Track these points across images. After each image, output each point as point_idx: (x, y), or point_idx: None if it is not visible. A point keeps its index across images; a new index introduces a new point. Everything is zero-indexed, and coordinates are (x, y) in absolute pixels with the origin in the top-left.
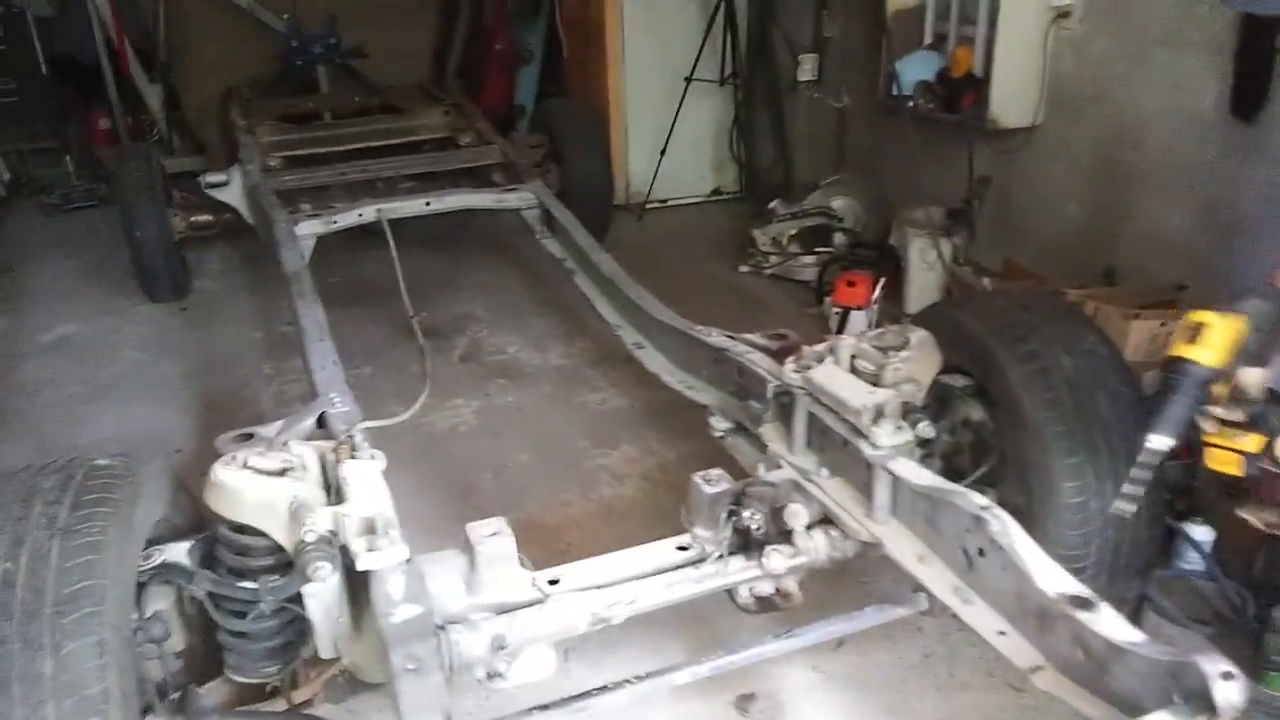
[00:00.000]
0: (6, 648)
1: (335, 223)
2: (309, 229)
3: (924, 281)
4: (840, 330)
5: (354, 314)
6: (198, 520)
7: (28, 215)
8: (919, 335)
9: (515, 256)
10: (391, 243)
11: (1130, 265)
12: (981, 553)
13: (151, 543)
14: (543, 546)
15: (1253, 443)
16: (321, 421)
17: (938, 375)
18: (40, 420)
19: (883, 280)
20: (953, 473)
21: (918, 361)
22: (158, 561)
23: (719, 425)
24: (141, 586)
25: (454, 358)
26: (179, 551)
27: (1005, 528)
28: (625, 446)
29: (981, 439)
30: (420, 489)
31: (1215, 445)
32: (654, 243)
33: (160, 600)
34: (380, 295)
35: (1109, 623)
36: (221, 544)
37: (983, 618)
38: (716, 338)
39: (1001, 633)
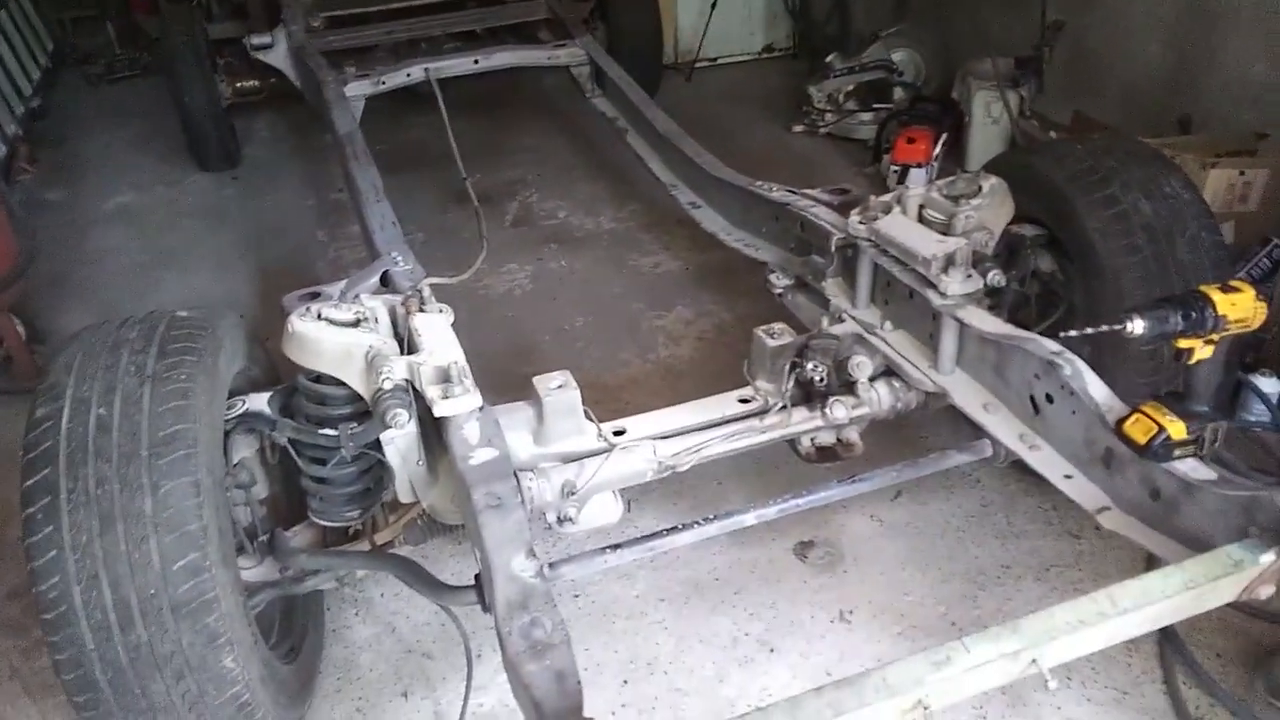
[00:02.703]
0: (107, 488)
1: (383, 83)
2: (358, 90)
3: (987, 136)
4: (901, 182)
5: (403, 181)
6: (272, 375)
7: (74, 86)
8: (992, 182)
9: (562, 119)
10: (441, 103)
11: (1207, 114)
12: (1050, 399)
13: (232, 394)
14: (602, 406)
15: None
16: (384, 280)
17: (1008, 225)
18: (106, 288)
19: (944, 136)
20: (1017, 325)
21: (990, 209)
22: (241, 411)
23: (779, 282)
24: (226, 435)
25: (505, 222)
26: (260, 401)
27: (1078, 371)
28: (680, 308)
29: (1050, 290)
30: (479, 351)
31: None
32: (704, 103)
33: (244, 449)
34: (428, 162)
35: (1181, 462)
36: (301, 394)
37: (1049, 463)
38: (778, 193)
39: (1068, 476)
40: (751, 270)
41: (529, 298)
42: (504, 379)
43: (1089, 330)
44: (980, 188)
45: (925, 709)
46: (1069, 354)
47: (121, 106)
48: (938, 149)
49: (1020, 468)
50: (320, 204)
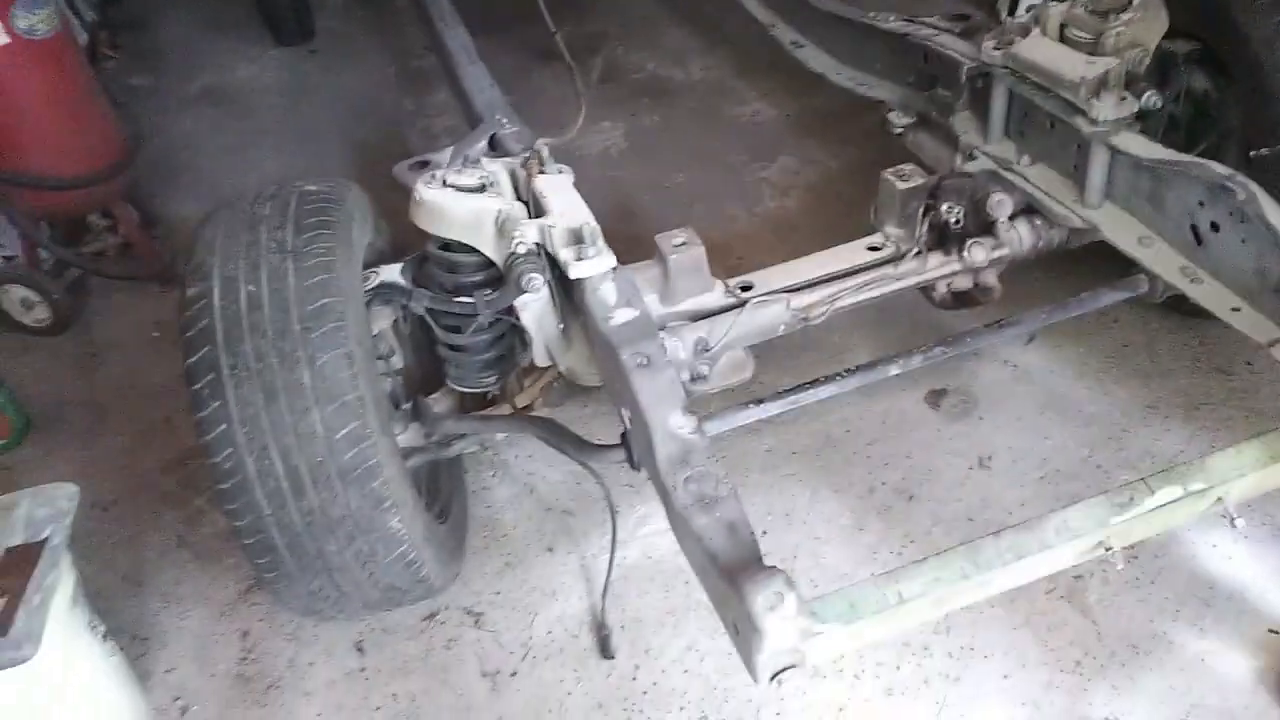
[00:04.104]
0: (266, 363)
1: None
2: None
3: None
4: (1013, 11)
5: (481, 43)
6: (396, 246)
7: None
8: None
9: None
10: None
11: None
12: (1215, 227)
13: (365, 266)
14: (713, 263)
15: None
16: (493, 144)
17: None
18: (207, 170)
19: None
20: None
21: (1143, 23)
22: (376, 282)
23: (899, 121)
24: (365, 308)
25: (592, 79)
26: (393, 272)
27: (1253, 195)
28: (784, 158)
29: (1203, 112)
30: None
31: None
32: None
33: (382, 320)
34: (504, 21)
35: None
36: (432, 262)
37: (1214, 295)
38: (894, 22)
39: (1235, 309)
40: (856, 114)
41: (625, 155)
42: (612, 242)
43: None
44: (1130, 0)
45: (1107, 549)
46: (1241, 177)
47: None
48: None
49: (1167, 305)
50: (402, 72)
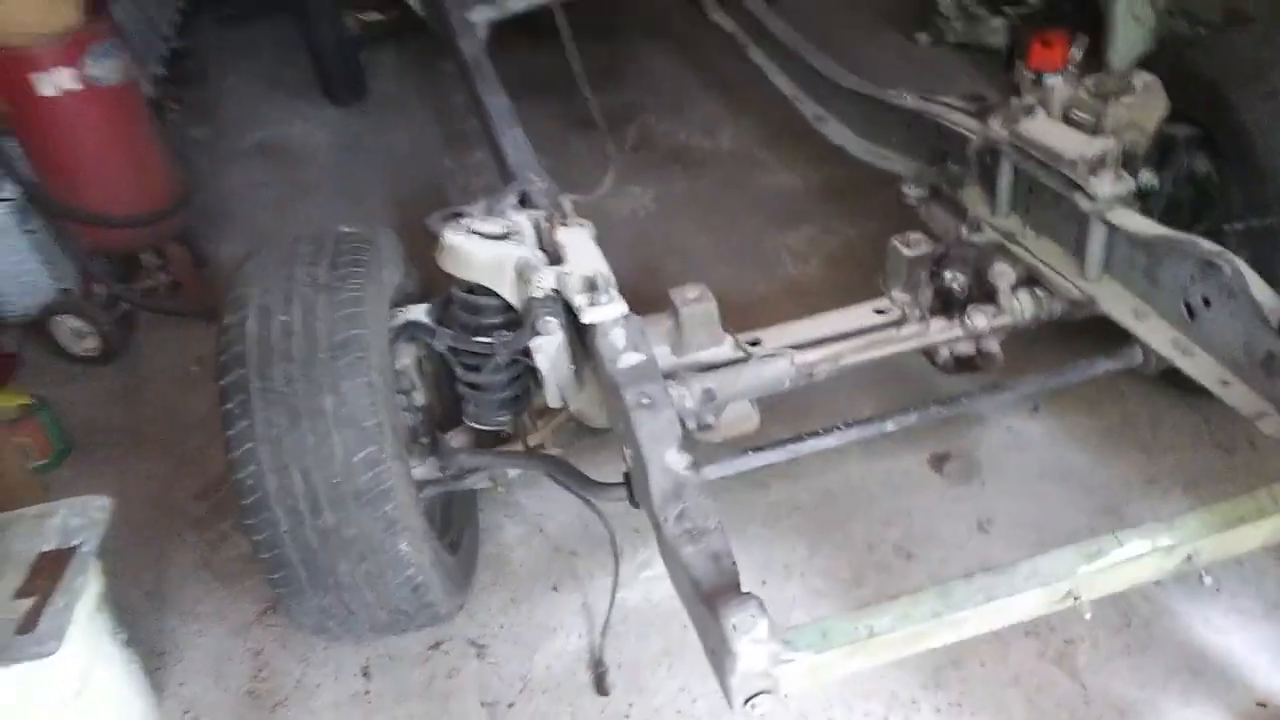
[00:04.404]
0: (294, 386)
1: (508, 6)
2: (482, 15)
3: (1131, 37)
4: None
5: (522, 110)
6: (424, 290)
7: (209, 27)
8: (1144, 78)
9: (678, 44)
10: (563, 23)
11: None
12: (1207, 303)
13: (392, 305)
14: (729, 323)
15: None
16: (522, 199)
17: (1160, 124)
18: (254, 219)
19: (1083, 38)
20: None
21: (1142, 106)
22: (402, 321)
23: (912, 193)
24: (390, 345)
25: (625, 146)
26: (419, 312)
27: (1239, 272)
28: (806, 226)
29: (1204, 194)
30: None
31: None
32: (821, 12)
33: (405, 357)
34: (546, 91)
35: None
36: (455, 304)
37: (1205, 368)
38: (910, 100)
39: (1225, 383)
40: (877, 186)
41: (652, 219)
42: (633, 298)
43: (1254, 222)
44: (1131, 84)
45: (1075, 599)
46: (1229, 254)
47: (254, 45)
48: (1075, 52)
49: (1168, 379)
50: (446, 133)
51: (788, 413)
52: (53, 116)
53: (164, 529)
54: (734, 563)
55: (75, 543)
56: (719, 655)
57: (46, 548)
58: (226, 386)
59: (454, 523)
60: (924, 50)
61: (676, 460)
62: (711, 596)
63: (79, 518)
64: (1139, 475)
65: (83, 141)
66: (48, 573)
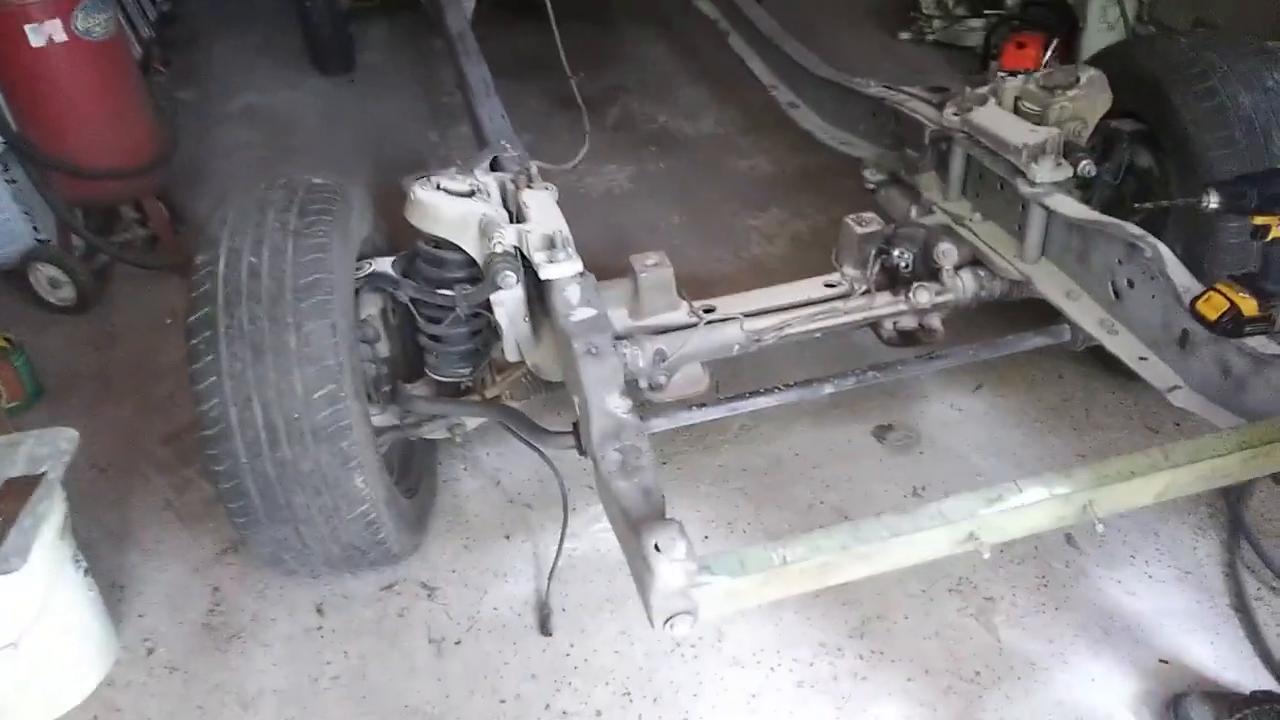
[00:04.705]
0: (258, 325)
1: None
2: None
3: (1102, 43)
4: None
5: (510, 87)
6: (393, 245)
7: None
8: (1090, 74)
9: (665, 30)
10: (548, 3)
11: None
12: (1130, 284)
13: (360, 257)
14: (695, 296)
15: None
16: (494, 165)
17: (1108, 120)
18: (237, 178)
19: (1055, 42)
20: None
21: (1086, 100)
22: (368, 271)
23: (873, 177)
24: (356, 293)
25: (606, 125)
26: (385, 264)
27: (1159, 254)
28: (775, 209)
29: (1146, 186)
30: (579, 245)
31: None
32: (805, 8)
33: (370, 307)
34: (534, 69)
35: (1252, 339)
36: (420, 258)
37: (1126, 345)
38: (875, 88)
39: (1143, 358)
40: (849, 174)
41: (627, 197)
42: (602, 270)
43: (1164, 203)
44: (1078, 78)
45: (977, 540)
46: (1151, 238)
47: (246, 12)
48: (1048, 55)
49: (1102, 361)
50: (431, 107)
51: (747, 380)
52: (40, 67)
53: (130, 471)
54: (662, 496)
55: (42, 470)
56: (641, 576)
57: (14, 474)
58: (194, 323)
59: (412, 470)
60: (905, 47)
61: (617, 404)
62: (637, 523)
63: (46, 447)
64: (1069, 451)
65: (68, 93)
66: (14, 497)
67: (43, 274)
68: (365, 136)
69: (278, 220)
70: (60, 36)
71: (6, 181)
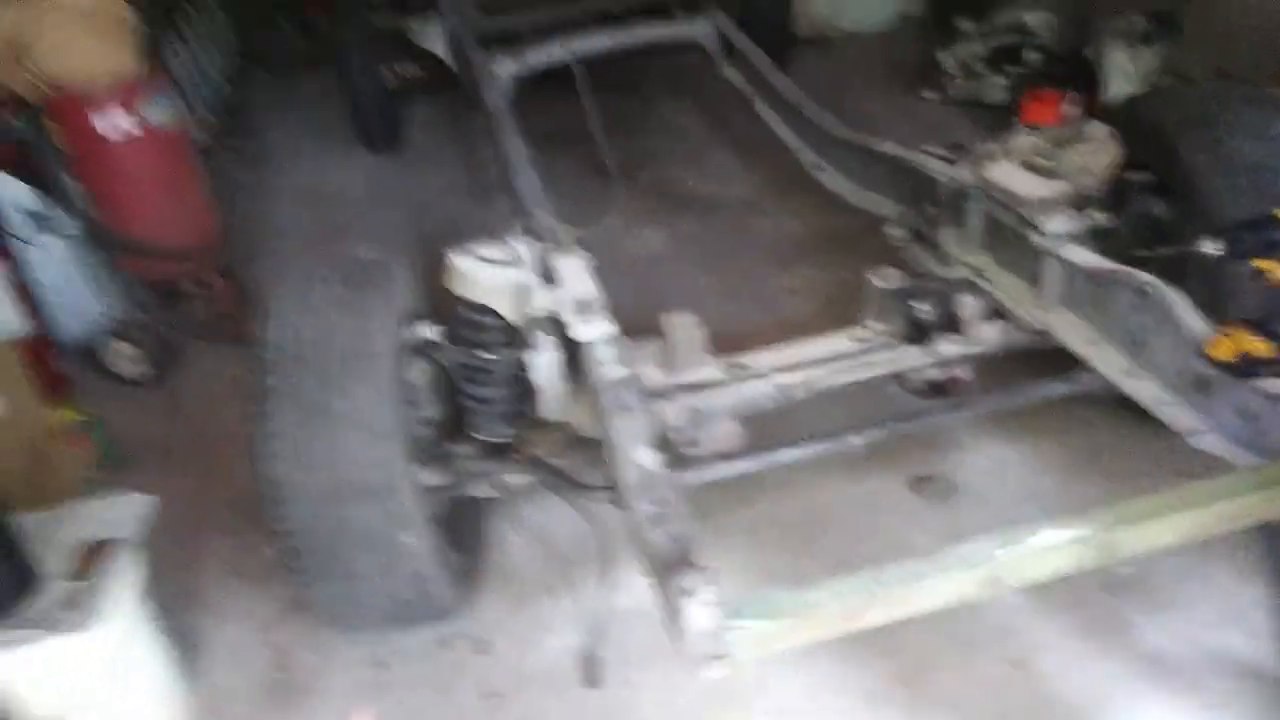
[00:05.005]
0: (311, 392)
1: (529, 63)
2: (506, 69)
3: (1121, 96)
4: None
5: (544, 158)
6: (436, 312)
7: (259, 80)
8: (1097, 128)
9: (694, 98)
10: (580, 77)
11: None
12: (1145, 331)
13: (405, 325)
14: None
15: None
16: (531, 233)
17: (1122, 171)
18: (293, 254)
19: (1077, 97)
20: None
21: (1094, 154)
22: (412, 337)
23: (896, 234)
24: (401, 360)
25: (639, 191)
26: (428, 329)
27: (1169, 300)
28: (804, 268)
29: (1162, 235)
30: (612, 306)
31: None
32: (833, 73)
33: (416, 372)
34: (568, 141)
35: (1266, 381)
36: (461, 323)
37: (1148, 391)
38: (891, 149)
39: (1165, 403)
40: (875, 232)
41: (659, 259)
42: (636, 330)
43: (1165, 251)
44: (1084, 133)
45: (999, 583)
46: (1159, 284)
47: (299, 96)
48: (1070, 109)
49: (1130, 407)
50: (472, 181)
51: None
52: (110, 156)
53: (198, 535)
54: (691, 544)
55: (120, 534)
56: (672, 621)
57: (95, 538)
58: (255, 391)
59: (461, 528)
60: (929, 106)
61: (647, 457)
62: (667, 570)
63: (125, 512)
64: (1100, 498)
65: (135, 179)
66: (94, 559)
67: (116, 350)
68: (411, 210)
69: (327, 294)
70: (126, 126)
71: (82, 264)
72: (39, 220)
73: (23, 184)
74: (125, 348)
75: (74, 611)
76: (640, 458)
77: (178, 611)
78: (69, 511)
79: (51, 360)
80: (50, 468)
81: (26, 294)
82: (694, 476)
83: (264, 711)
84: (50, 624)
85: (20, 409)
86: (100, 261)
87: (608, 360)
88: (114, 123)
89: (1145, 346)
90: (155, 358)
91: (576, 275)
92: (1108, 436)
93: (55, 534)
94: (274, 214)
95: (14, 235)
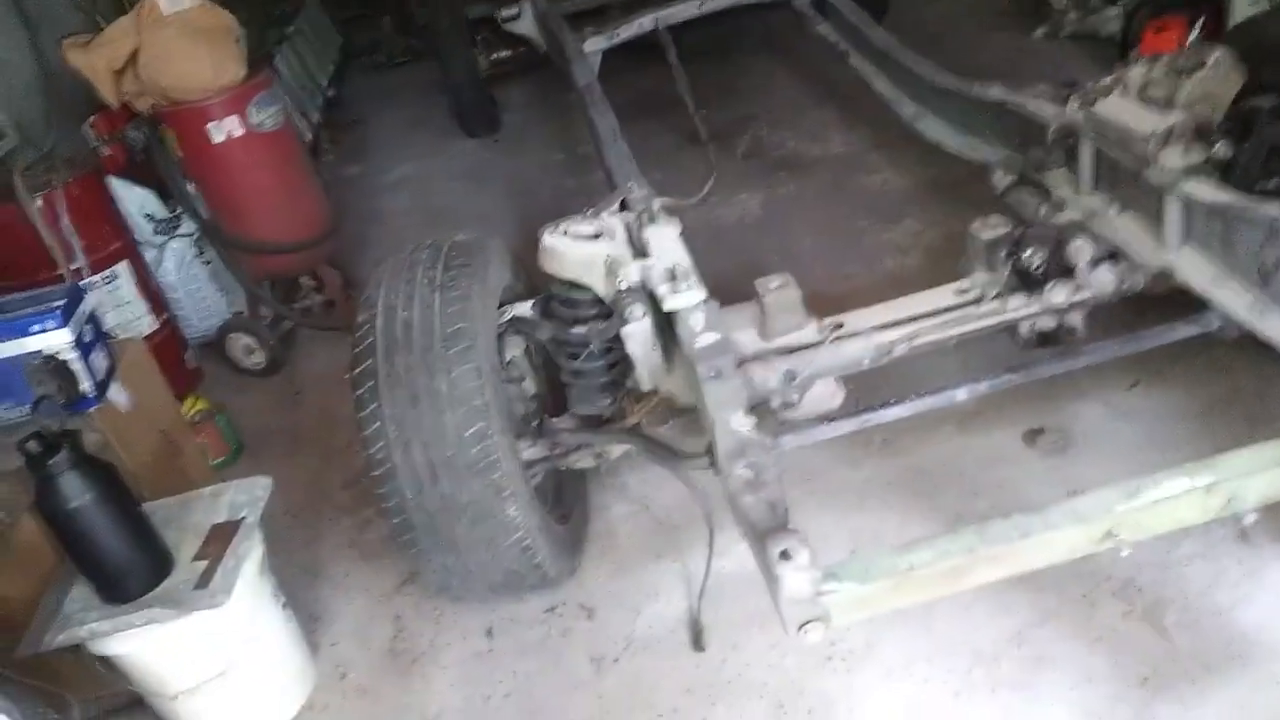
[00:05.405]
0: (413, 373)
1: (617, 35)
2: (595, 45)
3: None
4: None
5: (639, 128)
6: (532, 291)
7: (360, 75)
8: (1217, 53)
9: (787, 57)
10: (669, 46)
11: None
12: (1278, 266)
13: (501, 304)
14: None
15: None
16: (623, 206)
17: (1245, 97)
18: (391, 242)
19: (1201, 21)
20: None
21: (1215, 80)
22: (509, 316)
23: (1001, 181)
24: (499, 337)
25: (736, 156)
26: (524, 308)
27: None
28: (908, 221)
29: None
30: (713, 273)
31: None
32: (939, 18)
33: (514, 349)
34: (661, 109)
35: None
36: (555, 300)
37: (1279, 329)
38: (996, 92)
39: None
40: (980, 180)
41: (758, 223)
42: (735, 294)
43: None
44: (1204, 60)
45: (1116, 538)
46: None
47: (399, 90)
48: (1192, 36)
49: (1269, 349)
50: (568, 157)
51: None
52: (223, 160)
53: (318, 514)
54: (786, 509)
55: (241, 515)
56: (769, 584)
57: (218, 520)
58: (358, 376)
59: (566, 499)
60: (1040, 44)
61: (741, 423)
62: (764, 535)
63: (245, 495)
64: (1241, 445)
65: (248, 180)
66: (219, 540)
67: (237, 343)
68: (509, 191)
69: (425, 277)
70: (238, 131)
71: (203, 263)
72: (163, 224)
73: (144, 190)
74: (246, 340)
75: (203, 590)
76: (735, 423)
77: (301, 586)
78: (196, 497)
79: (180, 355)
80: (181, 456)
81: (155, 294)
82: (793, 440)
83: (384, 678)
84: (183, 603)
85: (151, 402)
86: (220, 260)
87: (700, 327)
88: (226, 128)
89: (1275, 283)
90: (273, 348)
91: (666, 244)
92: (1248, 379)
93: (185, 518)
94: (379, 203)
95: (141, 240)
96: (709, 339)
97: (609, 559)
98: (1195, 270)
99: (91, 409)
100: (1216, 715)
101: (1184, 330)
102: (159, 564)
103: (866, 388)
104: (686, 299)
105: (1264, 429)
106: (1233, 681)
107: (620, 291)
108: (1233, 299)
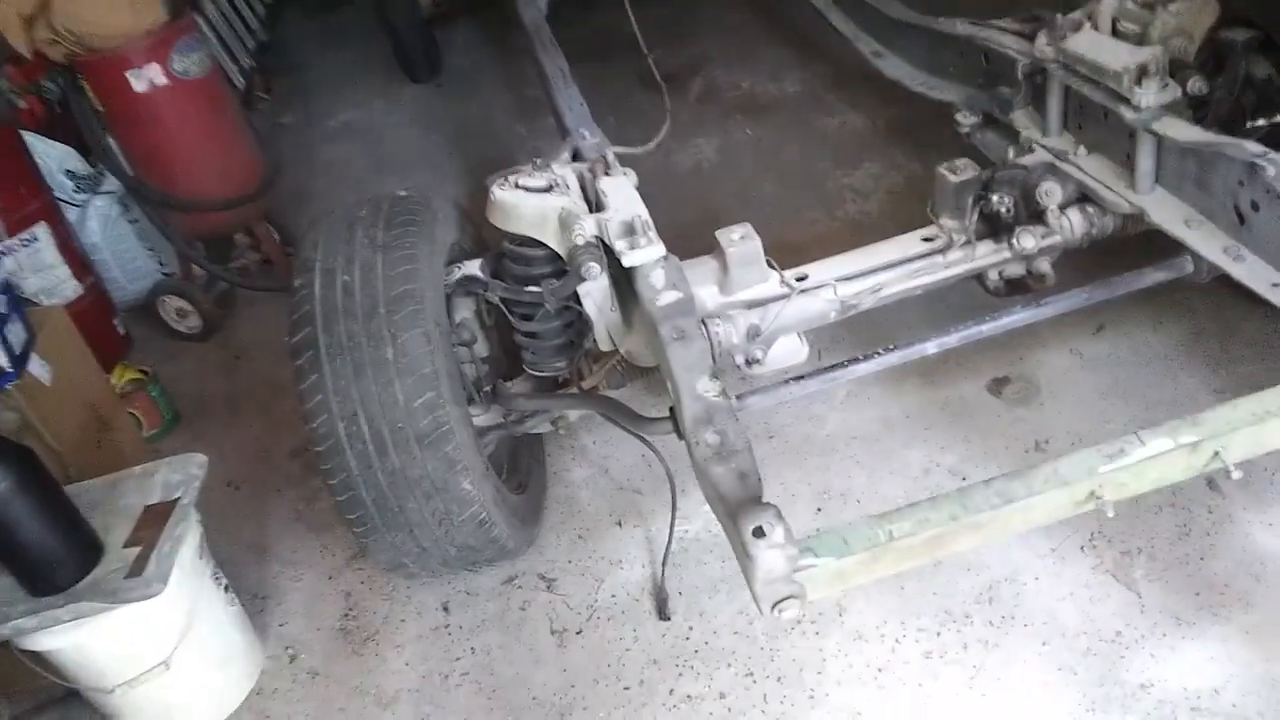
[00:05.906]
0: (356, 341)
1: None
2: None
3: None
4: None
5: (590, 70)
6: (481, 247)
7: (294, 18)
8: None
9: None
10: None
11: None
12: (1255, 206)
13: (449, 262)
14: (790, 262)
15: None
16: (575, 155)
17: (1218, 30)
18: (336, 193)
19: None
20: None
21: (1189, 13)
22: (458, 276)
23: (965, 121)
24: (448, 298)
25: (690, 99)
26: (473, 267)
27: None
28: (868, 164)
29: (1267, 98)
30: (670, 223)
31: None
32: None
33: (464, 310)
34: (612, 49)
35: None
36: (506, 257)
37: (1255, 273)
38: (961, 26)
39: (1276, 284)
40: (943, 120)
41: (715, 169)
42: (693, 246)
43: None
44: None
45: (1099, 499)
46: (1274, 154)
47: (338, 33)
48: None
49: (1236, 291)
50: (518, 101)
51: (849, 346)
52: (145, 111)
53: (263, 486)
54: (759, 479)
55: (176, 496)
56: (742, 562)
57: (151, 501)
58: (297, 344)
59: (521, 466)
60: None
61: (707, 387)
62: (735, 509)
63: (179, 474)
64: (1204, 388)
65: (173, 132)
66: (153, 523)
67: (170, 305)
68: (457, 138)
69: (365, 236)
70: (160, 80)
71: (129, 222)
72: (85, 181)
73: (64, 146)
74: (179, 303)
75: (136, 579)
76: (700, 388)
77: (246, 564)
78: (126, 477)
79: (109, 321)
80: (111, 431)
81: (78, 256)
82: (759, 401)
83: (337, 659)
84: (115, 593)
85: (76, 374)
86: (148, 219)
87: (661, 284)
88: (147, 76)
89: (1252, 225)
90: (209, 311)
91: (622, 196)
92: (1209, 322)
93: (115, 500)
94: (319, 154)
95: (62, 198)
96: (670, 297)
97: (569, 526)
98: (1168, 212)
99: (8, 385)
100: (1187, 669)
101: (1156, 275)
102: (87, 552)
103: (830, 339)
104: (646, 254)
105: (1225, 372)
106: (1203, 634)
107: (576, 247)
108: (1207, 242)
